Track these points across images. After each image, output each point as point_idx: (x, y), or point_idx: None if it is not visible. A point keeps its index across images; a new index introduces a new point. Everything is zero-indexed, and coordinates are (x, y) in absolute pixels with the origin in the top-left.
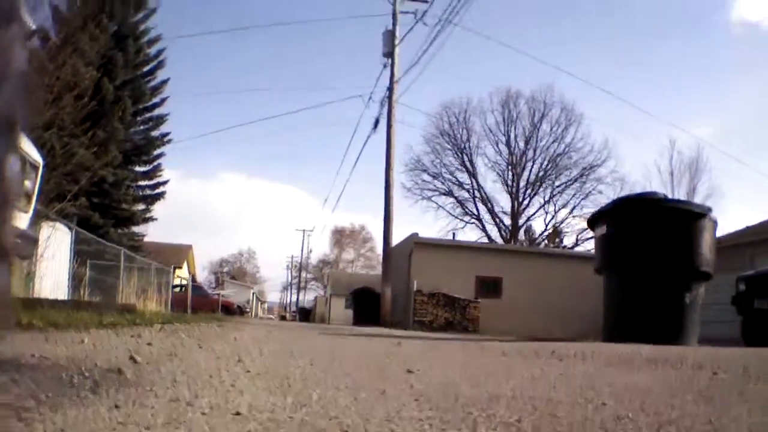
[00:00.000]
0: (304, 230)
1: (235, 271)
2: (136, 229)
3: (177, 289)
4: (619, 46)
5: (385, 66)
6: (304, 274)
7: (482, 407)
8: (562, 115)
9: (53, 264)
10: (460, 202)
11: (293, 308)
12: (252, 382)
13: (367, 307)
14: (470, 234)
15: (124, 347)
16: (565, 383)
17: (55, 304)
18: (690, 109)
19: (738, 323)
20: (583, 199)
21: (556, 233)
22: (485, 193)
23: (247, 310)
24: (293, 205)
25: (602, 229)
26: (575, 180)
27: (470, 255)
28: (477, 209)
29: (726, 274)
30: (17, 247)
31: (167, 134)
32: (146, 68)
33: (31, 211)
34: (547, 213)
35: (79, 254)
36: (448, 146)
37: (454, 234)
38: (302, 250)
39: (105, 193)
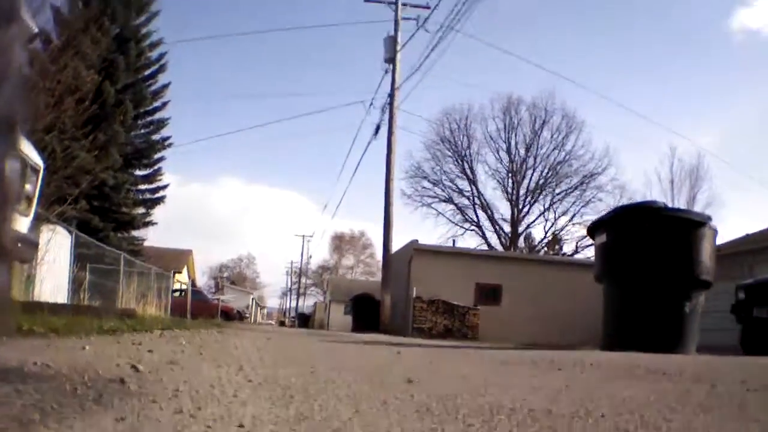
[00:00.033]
0: (303, 236)
1: (234, 276)
2: (136, 233)
3: (177, 294)
4: (620, 53)
5: (386, 72)
6: (303, 280)
7: (483, 419)
8: (563, 122)
9: (53, 268)
10: (460, 209)
11: (292, 314)
12: (254, 393)
13: (366, 313)
14: (470, 241)
15: (126, 355)
16: (565, 394)
17: (55, 308)
18: (691, 117)
19: (737, 331)
20: (583, 206)
21: (556, 241)
22: (485, 200)
23: (247, 315)
24: (293, 211)
25: (602, 238)
26: (575, 188)
27: (470, 262)
28: (477, 216)
29: (725, 283)
30: (18, 251)
31: (168, 138)
32: (147, 72)
33: (31, 215)
34: (546, 220)
35: (79, 258)
36: (449, 153)
37: (453, 241)
38: (302, 256)
39: (105, 196)
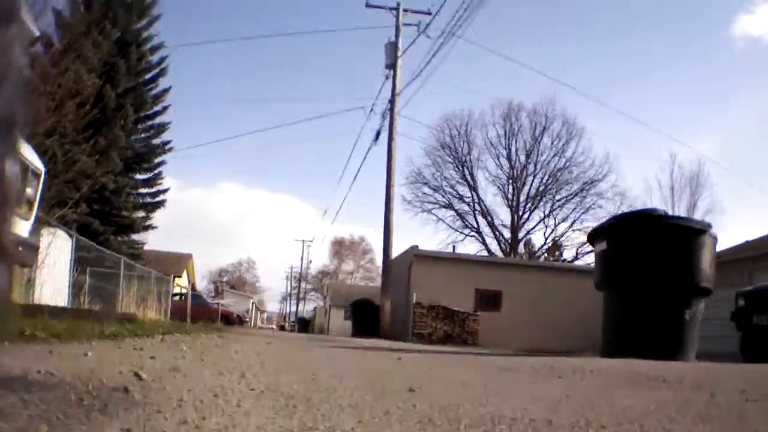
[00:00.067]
0: (303, 241)
1: (234, 280)
2: (136, 236)
3: (176, 298)
4: (621, 60)
5: (387, 78)
6: (303, 285)
7: (485, 429)
8: (563, 128)
9: (54, 271)
10: (460, 215)
11: (292, 318)
12: (257, 402)
13: (366, 318)
14: (470, 247)
15: (128, 361)
16: (566, 404)
17: (55, 312)
18: (691, 124)
19: (737, 338)
20: (583, 213)
21: (556, 247)
22: (485, 206)
23: (247, 319)
24: (293, 216)
25: (602, 245)
26: (576, 194)
27: (470, 268)
28: (477, 222)
29: (725, 290)
30: (19, 255)
31: (168, 142)
32: (148, 76)
33: (32, 219)
34: (547, 227)
35: (79, 261)
36: (449, 159)
37: (454, 247)
38: (302, 261)
39: (105, 200)
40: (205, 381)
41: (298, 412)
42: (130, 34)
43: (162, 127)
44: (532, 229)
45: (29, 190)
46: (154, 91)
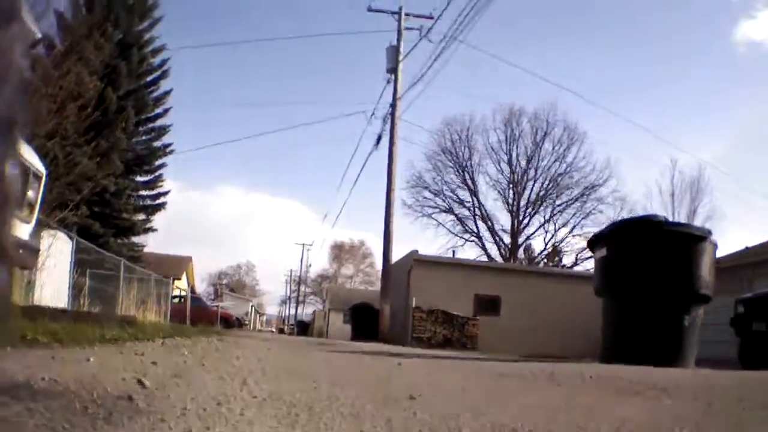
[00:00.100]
0: (303, 244)
1: (234, 283)
2: (136, 239)
3: (176, 301)
4: (622, 65)
5: (388, 82)
6: (302, 288)
7: None
8: (564, 134)
9: (54, 273)
10: (461, 220)
11: (291, 321)
12: (260, 410)
13: (365, 322)
14: (470, 252)
15: (131, 368)
16: (565, 413)
17: (55, 314)
18: (692, 130)
19: (736, 344)
20: (583, 218)
21: (556, 252)
22: (486, 211)
23: (246, 322)
24: (293, 219)
25: (602, 252)
26: (576, 199)
27: (469, 273)
28: (477, 227)
29: (725, 296)
30: (19, 257)
31: (169, 145)
32: (149, 78)
33: (33, 221)
34: (547, 232)
35: (79, 263)
36: (450, 164)
37: (453, 252)
38: (301, 264)
39: (106, 202)
40: (207, 388)
41: (301, 421)
42: (132, 36)
43: (163, 130)
44: (532, 234)
45: (30, 193)
46: (155, 94)
